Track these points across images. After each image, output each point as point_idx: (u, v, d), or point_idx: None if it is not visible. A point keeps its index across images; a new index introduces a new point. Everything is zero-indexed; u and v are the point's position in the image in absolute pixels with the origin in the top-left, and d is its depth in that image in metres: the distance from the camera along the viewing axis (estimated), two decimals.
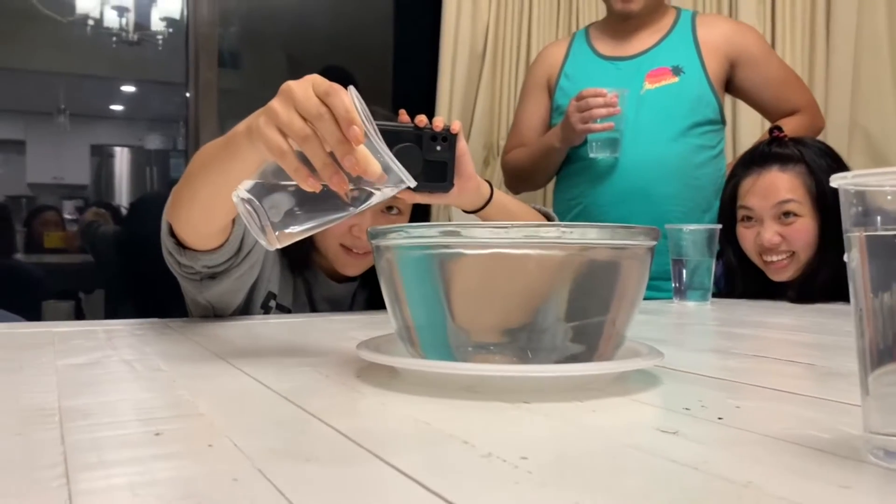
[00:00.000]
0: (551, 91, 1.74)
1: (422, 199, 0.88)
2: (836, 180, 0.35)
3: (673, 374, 0.58)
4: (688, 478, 0.33)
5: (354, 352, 0.58)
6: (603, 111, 1.48)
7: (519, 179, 1.81)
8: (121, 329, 0.88)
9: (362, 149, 0.56)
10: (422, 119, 0.87)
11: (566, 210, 1.67)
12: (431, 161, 0.87)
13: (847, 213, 0.35)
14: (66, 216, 6.52)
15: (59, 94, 6.53)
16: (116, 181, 7.30)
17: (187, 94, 2.41)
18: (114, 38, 4.12)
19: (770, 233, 1.33)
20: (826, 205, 1.30)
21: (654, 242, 0.53)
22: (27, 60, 5.16)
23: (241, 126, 0.64)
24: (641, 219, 1.58)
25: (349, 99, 0.57)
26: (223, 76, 2.60)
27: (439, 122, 0.87)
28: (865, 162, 2.22)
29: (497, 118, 2.33)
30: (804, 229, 1.32)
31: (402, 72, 2.63)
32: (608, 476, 0.34)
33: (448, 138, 0.88)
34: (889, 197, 0.33)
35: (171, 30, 4.15)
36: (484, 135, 2.30)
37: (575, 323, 0.50)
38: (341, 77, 2.40)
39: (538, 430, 0.42)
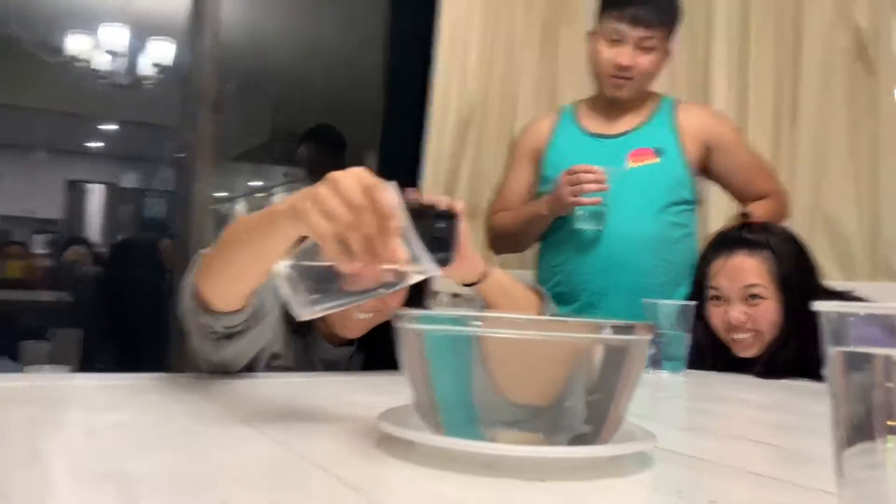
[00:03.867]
0: (538, 161, 1.84)
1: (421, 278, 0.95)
2: (817, 306, 0.42)
3: (662, 453, 0.64)
4: None
5: (367, 418, 0.63)
6: (593, 186, 1.59)
7: (502, 241, 1.89)
8: (137, 385, 0.92)
9: (396, 240, 0.63)
10: (427, 197, 0.94)
11: (550, 276, 1.75)
12: (433, 238, 0.93)
13: (825, 330, 0.42)
14: (38, 251, 6.45)
15: (38, 129, 6.52)
16: (88, 217, 7.27)
17: (183, 138, 2.47)
18: (103, 80, 4.17)
19: (737, 312, 1.42)
20: (789, 288, 1.39)
21: (651, 336, 0.60)
22: (8, 96, 5.17)
23: (283, 205, 0.70)
24: (620, 288, 1.67)
25: (392, 195, 0.63)
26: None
27: (443, 202, 0.94)
28: (826, 241, 2.34)
29: (482, 180, 2.42)
30: (768, 311, 1.41)
31: (390, 132, 2.72)
32: None
33: (450, 217, 0.94)
34: (852, 320, 0.40)
35: (162, 75, 4.22)
36: (469, 197, 2.39)
37: (587, 405, 0.56)
38: (332, 135, 2.49)
39: None
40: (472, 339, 0.57)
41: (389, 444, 0.63)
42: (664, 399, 1.10)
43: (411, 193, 0.97)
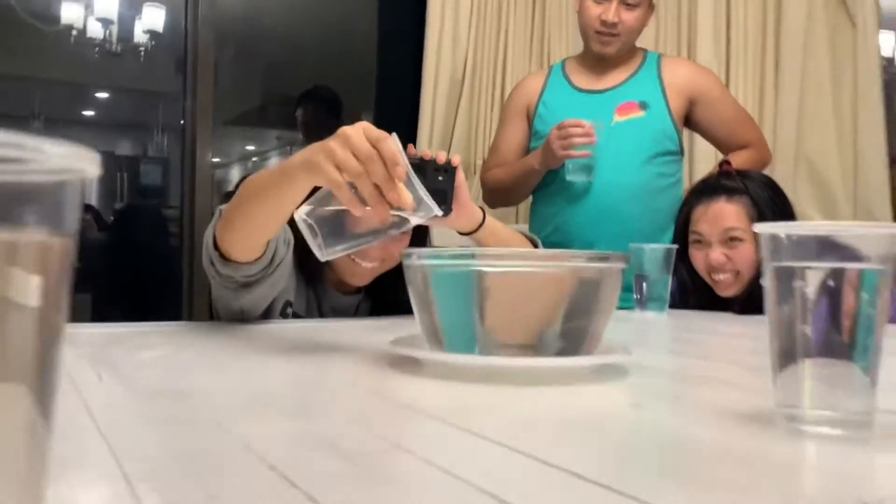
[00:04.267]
0: (530, 118, 1.91)
1: (424, 222, 1.04)
2: (757, 227, 0.51)
3: (638, 368, 0.74)
4: (650, 434, 0.49)
5: (379, 348, 0.72)
6: (582, 140, 1.67)
7: (497, 196, 1.98)
8: (166, 330, 1.01)
9: (401, 185, 0.72)
10: (427, 153, 1.02)
11: (542, 226, 1.84)
12: (434, 189, 1.01)
13: (764, 250, 0.51)
14: None
15: (35, 99, 6.52)
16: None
17: (183, 105, 2.53)
18: (96, 49, 4.19)
19: (717, 254, 1.51)
20: None
21: (624, 265, 0.69)
22: (2, 65, 5.17)
23: (297, 159, 0.79)
24: (609, 236, 1.76)
25: (395, 145, 0.72)
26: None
27: (442, 156, 1.03)
28: (809, 186, 2.44)
29: (474, 138, 2.49)
30: (747, 252, 1.51)
31: (384, 94, 2.77)
32: (596, 430, 0.49)
33: (449, 170, 1.03)
34: (785, 241, 0.49)
35: (153, 42, 4.24)
36: (462, 153, 2.46)
37: (568, 326, 0.65)
38: (329, 97, 2.54)
39: (545, 404, 0.57)
40: (471, 272, 0.66)
41: (402, 364, 0.72)
42: (647, 332, 1.20)
43: (412, 149, 1.05)
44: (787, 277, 0.49)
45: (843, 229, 0.49)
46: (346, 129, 0.73)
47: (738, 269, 1.51)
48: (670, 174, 1.83)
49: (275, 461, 0.38)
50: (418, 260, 0.69)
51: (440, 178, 1.00)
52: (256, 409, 0.54)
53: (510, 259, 0.65)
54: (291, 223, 0.86)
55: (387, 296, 1.28)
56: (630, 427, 0.50)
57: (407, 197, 0.72)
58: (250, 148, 7.42)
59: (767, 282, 0.52)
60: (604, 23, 1.77)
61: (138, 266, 3.08)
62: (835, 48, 2.41)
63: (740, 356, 0.91)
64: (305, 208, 0.75)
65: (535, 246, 1.28)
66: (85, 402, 0.54)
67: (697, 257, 1.56)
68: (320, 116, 3.03)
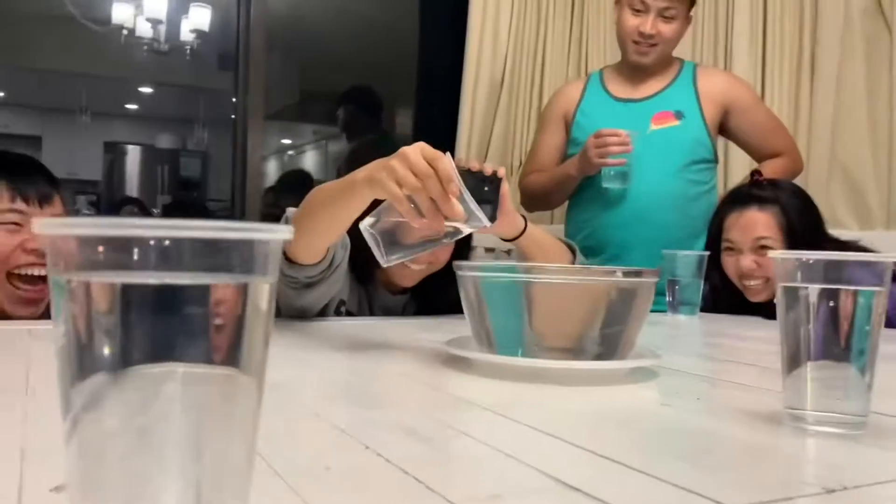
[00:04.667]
0: (568, 125, 1.99)
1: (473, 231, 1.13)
2: (772, 254, 0.59)
3: (667, 371, 0.82)
4: (676, 429, 0.57)
5: (431, 347, 0.81)
6: (618, 148, 1.75)
7: (535, 200, 2.07)
8: None
9: (455, 199, 0.81)
10: (474, 164, 1.11)
11: (577, 230, 1.92)
12: (480, 199, 1.10)
13: (775, 271, 0.59)
14: (84, 211, 6.73)
15: (82, 93, 6.73)
16: (127, 178, 7.51)
17: (235, 102, 2.64)
18: (145, 47, 4.35)
19: (748, 261, 1.58)
20: (796, 239, 1.54)
21: (656, 279, 0.77)
22: (55, 62, 5.37)
23: (360, 175, 0.88)
24: (643, 242, 1.83)
25: (449, 164, 0.81)
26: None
27: (488, 168, 1.12)
28: (843, 192, 2.47)
29: (512, 142, 2.58)
30: None
31: (424, 95, 2.86)
32: (629, 424, 0.58)
33: (494, 180, 1.11)
34: (796, 265, 0.57)
35: (199, 40, 4.39)
36: (499, 155, 2.55)
37: (605, 332, 0.74)
38: (370, 97, 2.66)
39: (584, 402, 0.66)
40: (518, 283, 0.75)
41: (454, 362, 0.81)
42: (677, 336, 1.28)
43: (460, 161, 1.14)
44: (793, 295, 0.57)
45: (843, 256, 0.57)
46: (405, 149, 0.83)
47: (767, 275, 1.58)
48: (704, 182, 1.89)
49: (367, 441, 0.48)
50: (471, 272, 0.78)
51: (486, 188, 1.09)
52: (339, 398, 0.63)
53: (555, 273, 0.74)
54: (349, 230, 0.96)
55: (432, 297, 1.37)
56: (657, 422, 0.59)
57: (460, 210, 0.81)
58: (286, 142, 7.58)
59: (778, 299, 0.60)
60: (641, 34, 1.84)
61: None
62: (871, 55, 2.44)
63: (762, 360, 0.99)
64: (369, 220, 0.85)
65: (573, 252, 1.36)
66: None
67: (729, 263, 1.62)
68: (361, 115, 3.14)
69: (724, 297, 1.68)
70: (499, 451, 0.47)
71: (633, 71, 1.93)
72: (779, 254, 0.59)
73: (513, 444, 0.49)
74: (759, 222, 1.57)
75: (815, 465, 0.49)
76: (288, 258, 1.08)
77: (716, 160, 1.94)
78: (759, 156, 1.94)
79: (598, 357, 0.75)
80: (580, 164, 1.83)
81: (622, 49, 1.93)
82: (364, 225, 0.85)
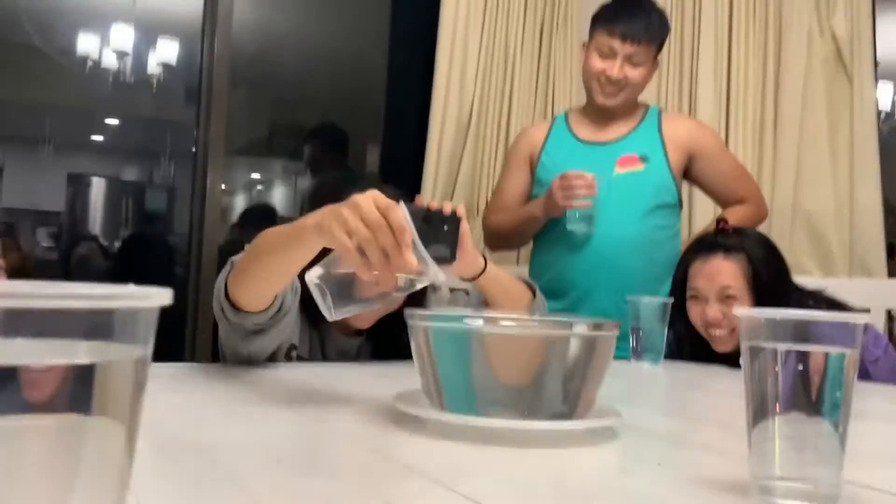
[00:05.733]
0: (533, 166, 1.97)
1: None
2: (738, 311, 0.56)
3: (628, 429, 0.78)
4: (636, 503, 0.53)
5: (381, 400, 0.76)
6: (583, 192, 1.72)
7: (498, 240, 2.04)
8: (177, 372, 1.05)
9: (408, 252, 0.76)
10: (433, 203, 1.07)
11: (542, 272, 1.89)
12: (439, 238, 1.06)
13: (741, 329, 0.55)
14: (43, 244, 6.57)
15: (45, 123, 6.61)
16: (91, 211, 7.36)
17: (196, 136, 2.58)
18: (110, 79, 4.29)
19: (713, 311, 1.55)
20: (761, 288, 1.52)
21: (617, 332, 0.73)
22: (17, 92, 5.27)
23: (310, 221, 0.83)
24: (606, 286, 1.80)
25: (402, 214, 0.77)
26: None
27: (447, 207, 1.08)
28: (806, 239, 2.48)
29: (478, 180, 2.55)
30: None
31: (392, 131, 2.83)
32: (585, 498, 0.53)
33: (453, 220, 1.07)
34: (763, 324, 0.53)
35: (166, 73, 4.34)
36: (466, 195, 2.52)
37: (563, 388, 0.69)
38: (335, 134, 2.60)
39: (538, 469, 0.61)
40: (471, 335, 0.70)
41: (403, 421, 0.76)
42: (640, 386, 1.24)
43: (419, 200, 1.10)
44: (758, 355, 0.53)
45: (812, 316, 0.53)
46: (357, 198, 0.78)
47: (734, 325, 1.55)
48: (669, 226, 1.88)
49: None
50: (422, 321, 0.73)
51: (445, 227, 1.04)
52: (267, 464, 0.57)
53: (510, 323, 0.70)
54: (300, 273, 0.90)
55: (388, 338, 1.32)
56: (615, 495, 0.54)
57: (412, 262, 0.76)
58: (255, 176, 7.51)
59: (743, 360, 0.56)
60: (608, 78, 1.83)
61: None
62: (832, 103, 2.48)
63: (728, 417, 0.95)
64: (317, 271, 0.80)
65: (534, 292, 1.32)
66: None
67: (694, 312, 1.60)
68: (327, 153, 3.10)
69: (688, 344, 1.65)
70: None
71: (598, 114, 1.92)
72: (744, 312, 0.55)
73: None
74: (724, 271, 1.55)
75: None
76: (233, 304, 1.03)
77: (680, 205, 1.93)
78: (723, 202, 1.94)
79: (556, 415, 0.70)
80: (545, 205, 1.80)
81: (588, 91, 1.92)
82: (310, 277, 0.80)
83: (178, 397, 0.87)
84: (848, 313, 0.53)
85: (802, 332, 0.53)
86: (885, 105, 4.70)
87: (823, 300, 1.57)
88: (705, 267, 1.57)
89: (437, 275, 0.78)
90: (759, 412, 0.53)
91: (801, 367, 0.52)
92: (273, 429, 0.72)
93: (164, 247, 3.57)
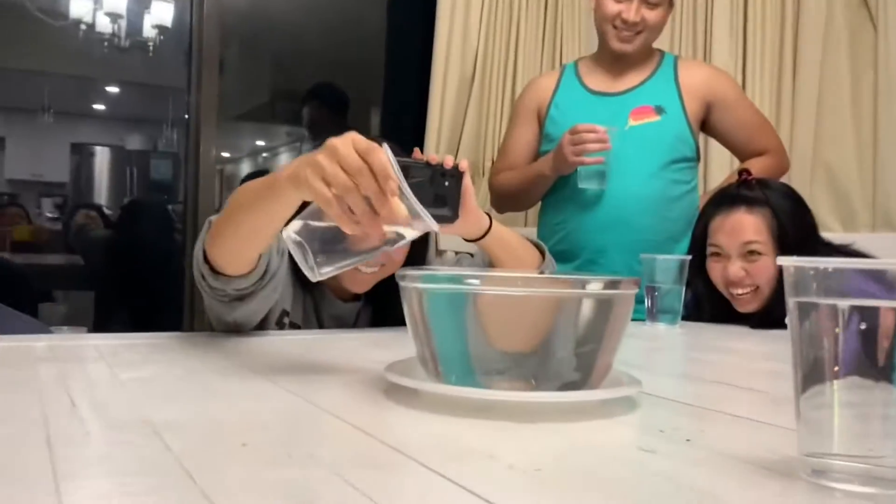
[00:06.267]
0: (541, 120, 1.85)
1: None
2: (780, 260, 0.47)
3: (648, 398, 0.69)
4: (661, 487, 0.44)
5: (375, 371, 0.68)
6: (595, 146, 1.60)
7: (506, 201, 1.92)
8: (157, 343, 0.97)
9: (395, 199, 0.67)
10: (433, 157, 0.98)
11: (550, 234, 1.79)
12: (439, 194, 0.97)
13: (786, 282, 0.46)
14: (47, 214, 6.53)
15: (44, 92, 6.52)
16: (95, 180, 7.29)
17: (188, 100, 2.49)
18: (105, 43, 4.17)
19: (735, 268, 1.45)
20: (787, 244, 1.42)
21: (636, 290, 0.64)
22: (14, 59, 5.17)
23: (285, 172, 0.74)
24: (620, 246, 1.70)
25: (385, 156, 0.67)
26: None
27: (449, 161, 0.99)
28: (826, 193, 2.37)
29: (484, 139, 2.44)
30: (766, 267, 1.44)
31: (393, 91, 2.73)
32: (602, 483, 0.45)
33: (455, 175, 0.98)
34: (812, 273, 0.44)
35: (162, 36, 4.21)
36: (471, 154, 2.41)
37: (576, 354, 0.61)
38: (334, 94, 2.49)
39: (546, 447, 0.53)
40: (468, 296, 0.62)
41: (396, 393, 0.68)
42: (657, 350, 1.15)
43: (417, 153, 1.01)
44: (811, 312, 0.44)
45: (877, 264, 0.44)
46: (333, 141, 0.69)
47: (757, 283, 1.45)
48: (686, 181, 1.77)
49: None
50: (414, 282, 0.65)
51: (446, 182, 0.97)
52: (240, 448, 0.49)
53: (514, 283, 0.61)
54: None
55: (388, 303, 1.23)
56: (637, 479, 0.46)
57: (401, 212, 0.67)
58: (260, 143, 7.40)
59: (790, 318, 0.47)
60: (624, 21, 1.71)
61: (143, 263, 3.05)
62: (855, 50, 2.34)
63: (759, 381, 0.86)
64: (295, 225, 0.71)
65: (542, 253, 1.24)
66: (48, 437, 0.50)
67: (715, 270, 1.50)
68: (326, 114, 2.99)
69: (707, 304, 1.55)
70: None
71: (611, 62, 1.80)
72: (791, 261, 0.46)
73: None
74: (747, 225, 1.45)
75: None
76: (213, 268, 0.94)
77: (698, 158, 1.82)
78: (742, 154, 1.83)
79: (566, 385, 0.62)
80: (555, 162, 1.69)
81: (601, 37, 1.80)
82: (287, 232, 0.71)
83: (149, 370, 0.79)
84: None
85: (860, 284, 0.44)
86: None
87: (854, 255, 1.47)
88: (727, 222, 1.47)
89: (431, 224, 0.69)
90: (810, 377, 0.45)
91: (864, 326, 0.42)
92: (249, 405, 0.64)
93: (162, 213, 3.49)
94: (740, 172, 1.55)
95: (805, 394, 0.45)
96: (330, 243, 0.71)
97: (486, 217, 1.11)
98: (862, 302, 0.42)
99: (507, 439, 0.53)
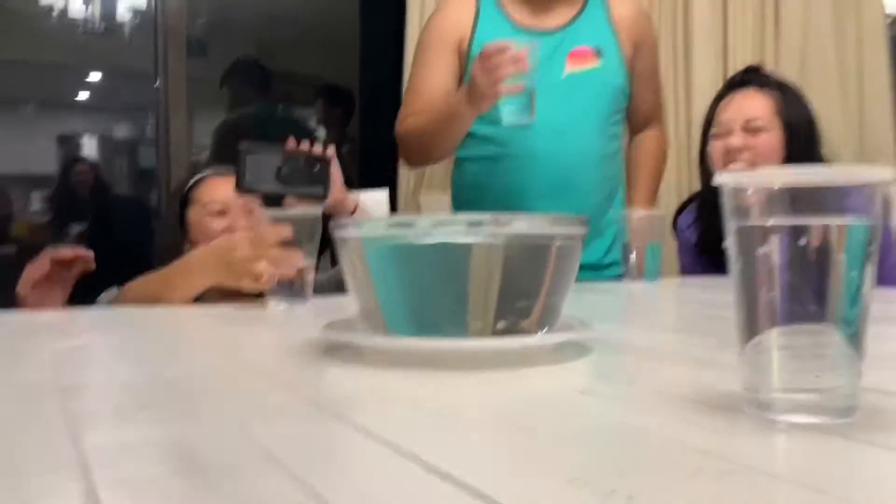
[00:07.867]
0: (462, 57, 1.51)
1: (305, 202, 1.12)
2: (717, 179, 0.43)
3: (604, 346, 0.66)
4: (593, 423, 0.41)
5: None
6: (511, 69, 1.24)
7: (416, 150, 1.54)
8: (111, 315, 0.94)
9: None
10: (305, 146, 1.16)
11: (468, 202, 1.53)
12: (313, 177, 1.14)
13: (726, 207, 0.43)
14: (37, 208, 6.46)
15: (19, 83, 6.42)
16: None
17: (156, 84, 2.43)
18: (80, 29, 4.10)
19: (736, 139, 1.39)
20: (791, 134, 1.37)
21: (583, 230, 0.60)
22: None
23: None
24: (560, 212, 1.57)
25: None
26: (190, 65, 2.53)
27: (318, 150, 1.16)
28: None
29: None
30: (768, 142, 1.39)
31: (368, 64, 2.67)
32: (530, 424, 0.41)
33: (325, 161, 1.15)
34: (750, 193, 0.40)
35: (137, 19, 4.14)
36: None
37: (510, 301, 0.57)
38: (254, 67, 2.34)
39: (480, 393, 0.49)
40: (405, 246, 0.58)
41: (337, 352, 0.64)
42: (631, 304, 1.12)
43: (291, 142, 1.16)
44: (751, 238, 0.41)
45: (820, 176, 0.40)
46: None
47: (755, 159, 1.39)
48: (619, 135, 1.57)
49: (99, 473, 0.31)
50: (354, 233, 0.61)
51: (318, 168, 1.14)
52: (126, 411, 0.46)
53: (447, 226, 0.57)
54: None
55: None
56: (570, 419, 0.42)
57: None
58: None
59: (729, 243, 0.43)
60: None
61: (118, 250, 3.01)
62: (837, 2, 2.29)
63: (724, 328, 0.83)
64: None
65: None
66: None
67: (716, 148, 1.44)
68: (247, 91, 2.65)
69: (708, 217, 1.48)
70: (306, 493, 0.30)
71: None
72: (727, 176, 0.42)
73: (331, 480, 0.32)
74: (755, 102, 1.39)
75: (785, 478, 0.33)
76: None
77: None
78: (631, 114, 1.59)
79: (507, 332, 0.58)
80: (469, 96, 1.31)
81: None
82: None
83: (85, 339, 0.75)
84: (868, 170, 0.39)
85: (808, 200, 0.40)
86: (894, 8, 4.44)
87: None
88: (734, 99, 1.42)
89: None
90: (751, 308, 0.41)
91: (805, 246, 0.39)
92: (172, 367, 0.61)
93: (136, 201, 3.44)
94: (747, 67, 1.48)
95: (745, 328, 0.42)
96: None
97: (353, 201, 1.27)
98: (803, 221, 0.39)
99: (449, 389, 0.50)
